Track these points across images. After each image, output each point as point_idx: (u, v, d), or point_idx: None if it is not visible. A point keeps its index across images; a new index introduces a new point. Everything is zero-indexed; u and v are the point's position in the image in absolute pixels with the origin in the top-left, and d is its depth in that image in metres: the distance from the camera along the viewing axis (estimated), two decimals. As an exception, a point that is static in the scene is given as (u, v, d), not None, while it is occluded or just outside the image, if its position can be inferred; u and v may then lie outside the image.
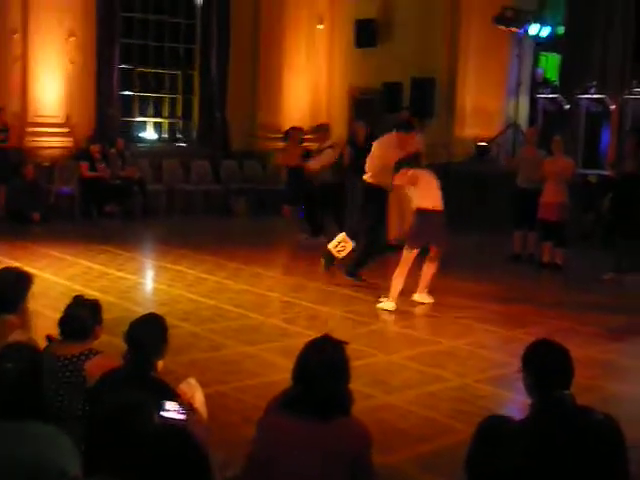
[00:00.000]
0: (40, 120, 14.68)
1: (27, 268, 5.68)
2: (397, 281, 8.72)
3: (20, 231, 12.83)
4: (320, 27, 17.66)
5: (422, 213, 8.72)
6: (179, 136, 17.50)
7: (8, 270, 4.86)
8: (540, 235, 11.42)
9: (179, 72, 17.35)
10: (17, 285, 4.65)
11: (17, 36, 14.52)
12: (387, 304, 8.69)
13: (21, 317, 4.58)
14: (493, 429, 2.84)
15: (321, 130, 13.14)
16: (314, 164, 12.58)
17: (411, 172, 8.88)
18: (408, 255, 8.73)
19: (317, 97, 17.91)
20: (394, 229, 12.30)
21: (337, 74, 17.85)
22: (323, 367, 3.24)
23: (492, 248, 11.81)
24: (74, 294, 4.62)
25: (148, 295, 9.62)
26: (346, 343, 3.42)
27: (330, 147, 12.58)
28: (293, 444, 3.17)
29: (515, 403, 5.72)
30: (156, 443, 2.46)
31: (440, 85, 15.69)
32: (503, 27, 14.78)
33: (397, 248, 12.09)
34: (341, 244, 9.74)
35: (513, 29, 14.91)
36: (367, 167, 9.72)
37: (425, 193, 8.78)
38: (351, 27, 16.92)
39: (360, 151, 12.46)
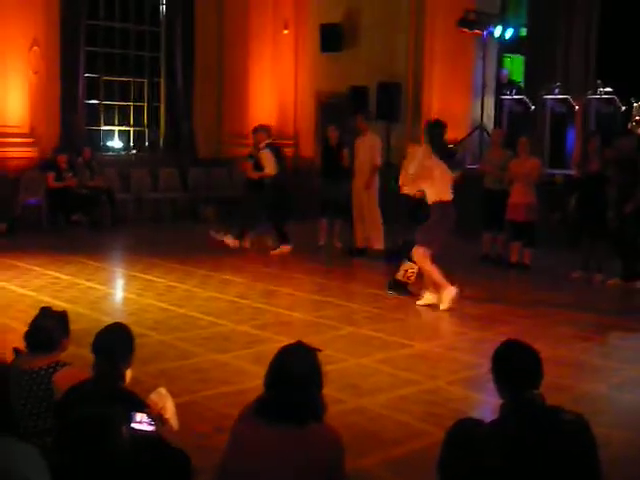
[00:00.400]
0: (5, 131, 14.54)
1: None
2: (434, 274, 8.76)
3: (-14, 243, 12.71)
4: (285, 32, 17.67)
5: (442, 206, 8.71)
6: (146, 144, 17.42)
7: None
8: (509, 235, 11.50)
9: (145, 80, 17.27)
10: None
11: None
12: (427, 298, 8.87)
13: None
14: (463, 432, 2.85)
15: (259, 131, 12.88)
16: (268, 170, 12.48)
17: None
18: (424, 253, 8.73)
19: (284, 102, 17.91)
20: (360, 234, 12.41)
21: (303, 79, 17.86)
22: (297, 374, 3.23)
23: (461, 249, 11.86)
24: (42, 306, 4.57)
25: (117, 305, 9.55)
26: (319, 350, 3.42)
27: (266, 148, 12.44)
28: (266, 451, 3.16)
29: (487, 404, 5.74)
30: (135, 454, 2.44)
31: (406, 89, 15.76)
32: (467, 30, 14.88)
33: (364, 253, 12.21)
34: (408, 271, 9.52)
35: (477, 31, 15.02)
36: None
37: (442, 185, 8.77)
38: (316, 32, 16.94)
39: (332, 153, 12.57)
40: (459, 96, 15.68)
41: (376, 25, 16.11)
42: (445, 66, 15.60)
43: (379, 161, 12.38)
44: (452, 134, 13.24)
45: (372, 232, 12.40)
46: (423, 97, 15.82)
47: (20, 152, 14.75)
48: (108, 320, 7.50)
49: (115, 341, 3.94)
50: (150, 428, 3.15)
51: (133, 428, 2.91)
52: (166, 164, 16.73)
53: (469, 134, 15.34)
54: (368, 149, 12.25)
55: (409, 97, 15.83)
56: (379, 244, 12.37)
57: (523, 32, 15.96)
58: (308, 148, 17.29)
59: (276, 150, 12.65)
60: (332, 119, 14.12)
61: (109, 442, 2.60)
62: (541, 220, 11.58)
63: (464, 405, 6.00)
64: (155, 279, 10.26)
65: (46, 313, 4.40)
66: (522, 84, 16.18)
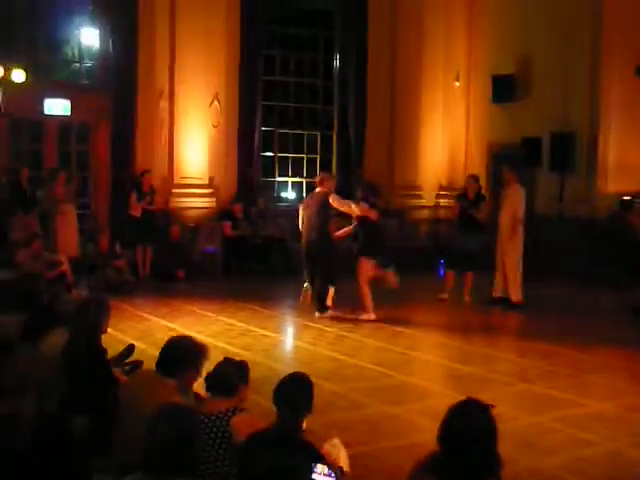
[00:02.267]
0: (186, 182, 15.23)
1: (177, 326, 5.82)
2: None
3: (165, 288, 13.27)
4: (457, 84, 17.69)
5: None
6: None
7: (184, 339, 4.91)
8: None
9: (318, 133, 17.68)
10: (189, 354, 4.65)
11: (164, 102, 15.18)
12: None
13: (183, 383, 4.64)
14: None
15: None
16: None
17: None
18: None
19: (455, 154, 17.88)
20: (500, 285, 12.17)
21: (474, 130, 17.78)
22: (469, 431, 3.16)
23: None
24: (218, 352, 4.69)
25: (290, 354, 9.70)
26: (492, 406, 3.35)
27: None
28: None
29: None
30: None
31: (580, 139, 15.38)
32: (646, 78, 14.43)
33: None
34: None
35: (656, 80, 14.54)
36: None
37: None
38: (488, 82, 16.85)
39: (469, 205, 12.42)
40: (637, 147, 15.17)
41: (549, 74, 15.87)
42: (622, 115, 15.18)
43: (521, 214, 12.03)
44: (630, 186, 12.92)
45: (511, 284, 12.08)
46: (599, 147, 15.41)
47: (200, 202, 15.40)
48: (281, 368, 7.68)
49: (298, 392, 4.00)
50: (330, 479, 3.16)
51: (314, 479, 2.94)
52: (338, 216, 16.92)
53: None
54: (512, 201, 11.99)
55: (584, 147, 15.44)
56: (516, 296, 12.03)
57: None
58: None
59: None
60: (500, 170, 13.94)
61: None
62: None
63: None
64: (326, 328, 10.37)
65: (227, 360, 4.52)
66: None
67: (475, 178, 12.84)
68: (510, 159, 15.80)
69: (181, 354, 4.62)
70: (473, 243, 12.29)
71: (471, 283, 12.56)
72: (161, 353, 4.65)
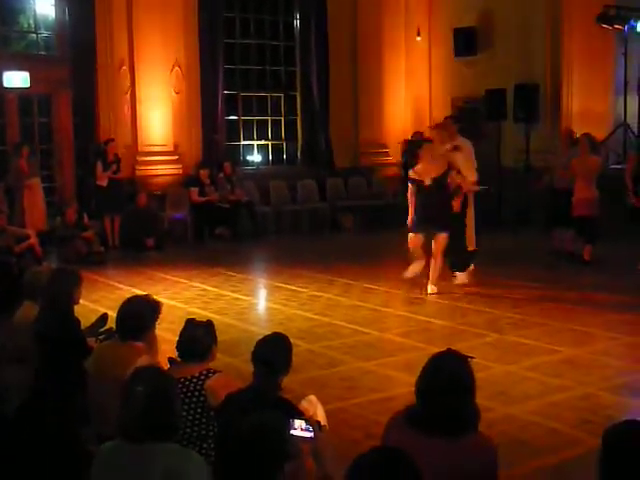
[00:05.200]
0: (150, 149, 15.12)
1: (147, 293, 5.83)
2: None
3: (136, 257, 13.24)
4: (418, 39, 17.63)
5: None
6: (284, 157, 17.71)
7: (137, 299, 4.97)
8: None
9: (281, 94, 17.59)
10: (146, 313, 4.75)
11: (125, 69, 15.02)
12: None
13: (148, 344, 4.70)
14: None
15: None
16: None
17: None
18: None
19: (419, 109, 17.87)
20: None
21: (437, 84, 17.76)
22: (449, 382, 3.17)
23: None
24: (192, 317, 4.73)
25: (264, 315, 9.75)
26: (471, 357, 3.38)
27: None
28: (420, 462, 3.12)
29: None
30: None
31: (544, 90, 15.43)
32: (607, 26, 14.45)
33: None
34: None
35: (617, 27, 14.56)
36: None
37: None
38: (450, 37, 16.81)
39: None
40: (600, 94, 15.25)
41: (511, 27, 15.85)
42: (584, 64, 15.19)
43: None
44: (594, 134, 12.98)
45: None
46: (562, 97, 15.46)
47: (165, 169, 15.30)
48: (256, 330, 7.72)
49: (276, 351, 4.03)
50: (308, 435, 3.19)
51: (292, 435, 2.97)
52: (304, 176, 16.96)
53: (611, 133, 14.89)
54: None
55: (547, 98, 15.49)
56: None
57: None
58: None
59: None
60: (470, 123, 13.93)
61: (278, 448, 2.68)
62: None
63: (619, 412, 5.81)
64: (298, 289, 10.41)
65: (193, 323, 4.55)
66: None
67: (420, 134, 12.91)
68: (474, 112, 15.89)
69: (140, 316, 4.67)
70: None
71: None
72: (121, 319, 4.67)
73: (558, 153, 12.72)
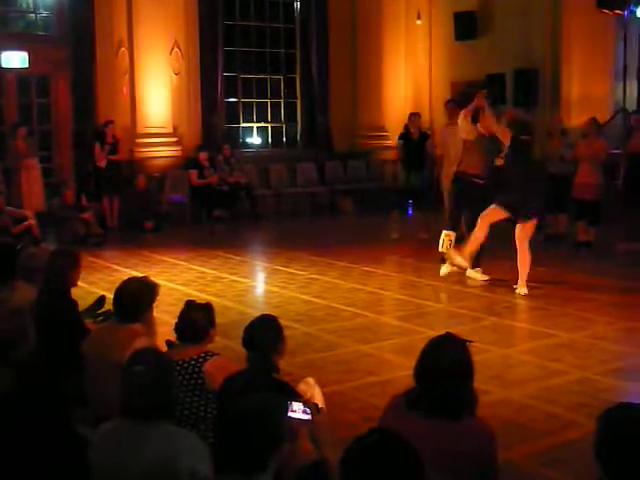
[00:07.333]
0: (149, 131, 15.07)
1: (145, 275, 5.82)
2: None
3: (134, 239, 13.23)
4: (418, 22, 17.56)
5: None
6: (283, 140, 17.68)
7: (134, 280, 4.96)
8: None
9: (281, 77, 17.54)
10: (143, 295, 4.74)
11: (123, 50, 14.96)
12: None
13: (146, 325, 4.70)
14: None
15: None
16: None
17: None
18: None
19: (418, 93, 17.83)
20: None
21: (438, 68, 17.71)
22: (448, 366, 3.17)
23: None
24: (190, 299, 4.72)
25: (262, 298, 9.76)
26: (470, 341, 3.39)
27: None
28: (418, 445, 3.12)
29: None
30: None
31: (543, 74, 15.39)
32: (607, 10, 14.39)
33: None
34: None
35: (617, 12, 14.50)
36: None
37: None
38: (450, 20, 16.75)
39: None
40: (599, 79, 15.20)
41: (511, 10, 15.78)
42: (584, 49, 15.14)
43: None
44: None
45: None
46: (562, 82, 15.42)
47: (165, 151, 15.25)
48: (254, 313, 7.65)
49: (265, 334, 4.01)
50: (306, 417, 3.20)
51: (290, 417, 2.98)
52: (304, 159, 16.96)
53: (611, 118, 14.85)
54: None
55: (547, 82, 15.46)
56: None
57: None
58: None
59: None
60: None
61: (272, 431, 2.69)
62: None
63: (616, 396, 5.83)
64: (297, 272, 10.42)
65: (192, 306, 4.54)
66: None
67: (417, 115, 12.94)
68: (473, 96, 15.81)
69: (138, 298, 4.65)
70: (417, 181, 12.47)
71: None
72: (118, 300, 4.66)
73: (553, 139, 12.64)
